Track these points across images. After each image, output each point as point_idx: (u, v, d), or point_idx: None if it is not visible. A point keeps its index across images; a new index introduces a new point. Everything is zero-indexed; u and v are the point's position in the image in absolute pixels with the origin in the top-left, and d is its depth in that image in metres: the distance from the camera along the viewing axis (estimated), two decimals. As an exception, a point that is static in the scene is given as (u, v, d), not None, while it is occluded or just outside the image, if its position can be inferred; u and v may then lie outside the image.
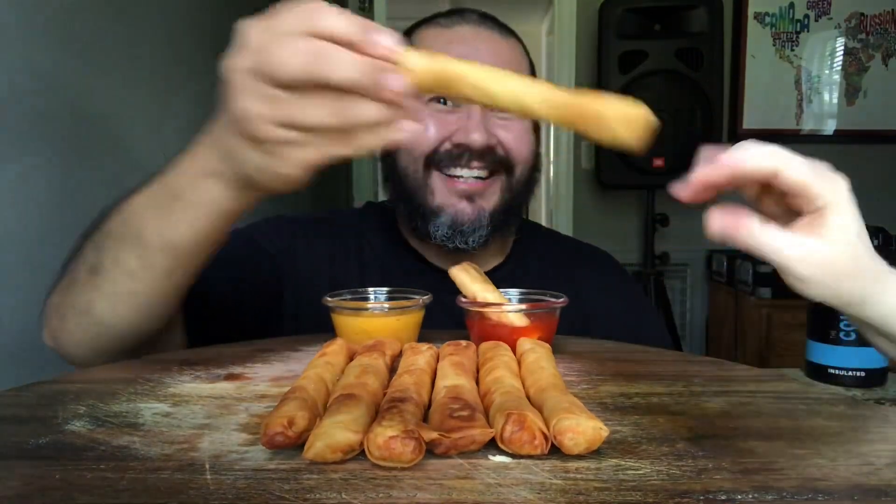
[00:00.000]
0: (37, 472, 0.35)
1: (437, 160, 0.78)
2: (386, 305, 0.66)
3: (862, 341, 0.77)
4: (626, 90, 2.31)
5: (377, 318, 0.62)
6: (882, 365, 0.78)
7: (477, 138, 0.76)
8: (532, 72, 0.89)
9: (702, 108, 2.28)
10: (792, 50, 2.58)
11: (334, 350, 0.52)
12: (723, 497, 0.32)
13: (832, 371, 0.78)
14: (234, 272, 0.74)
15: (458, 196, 0.78)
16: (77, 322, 0.58)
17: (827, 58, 2.59)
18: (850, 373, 0.77)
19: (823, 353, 0.79)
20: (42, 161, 0.97)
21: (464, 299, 0.62)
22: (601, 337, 0.70)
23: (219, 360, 0.58)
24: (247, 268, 0.78)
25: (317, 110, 0.39)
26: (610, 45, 2.32)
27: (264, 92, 0.39)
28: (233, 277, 0.74)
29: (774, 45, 2.59)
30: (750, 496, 0.32)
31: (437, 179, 0.79)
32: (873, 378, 0.77)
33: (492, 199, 0.80)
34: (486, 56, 0.78)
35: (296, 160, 0.41)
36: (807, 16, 2.57)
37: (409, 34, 0.85)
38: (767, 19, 2.58)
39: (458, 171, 0.78)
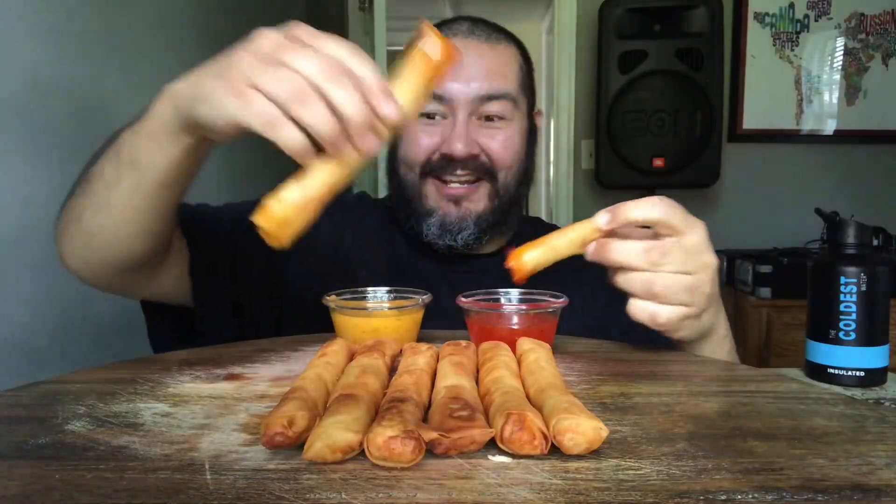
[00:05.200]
0: (37, 472, 0.35)
1: (429, 168, 0.83)
2: (386, 305, 0.66)
3: (862, 341, 0.77)
4: (626, 90, 2.31)
5: (377, 317, 0.62)
6: (882, 365, 0.78)
7: (459, 148, 0.81)
8: (530, 71, 0.90)
9: (702, 108, 2.28)
10: (792, 50, 2.58)
11: (334, 350, 0.52)
12: (723, 497, 0.32)
13: (832, 371, 0.78)
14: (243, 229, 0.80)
15: (447, 200, 0.84)
16: (71, 230, 0.66)
17: (827, 58, 2.59)
18: (849, 373, 0.77)
19: (823, 353, 0.79)
20: (42, 161, 0.97)
21: (464, 299, 0.62)
22: (608, 324, 0.71)
23: (219, 360, 0.58)
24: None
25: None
26: (610, 45, 2.32)
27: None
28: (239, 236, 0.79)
29: (774, 45, 2.59)
30: (750, 496, 0.32)
31: (430, 185, 0.84)
32: (873, 378, 0.77)
33: (479, 202, 0.85)
34: (472, 66, 0.82)
35: (256, 112, 0.47)
36: (807, 16, 2.57)
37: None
38: (767, 19, 2.58)
39: (448, 178, 0.83)
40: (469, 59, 0.83)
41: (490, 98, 0.82)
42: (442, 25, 0.87)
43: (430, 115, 0.83)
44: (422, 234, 0.84)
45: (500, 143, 0.84)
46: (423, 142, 0.83)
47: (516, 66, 0.86)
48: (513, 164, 0.85)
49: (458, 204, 0.84)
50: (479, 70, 0.82)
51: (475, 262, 0.89)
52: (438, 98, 0.82)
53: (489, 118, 0.83)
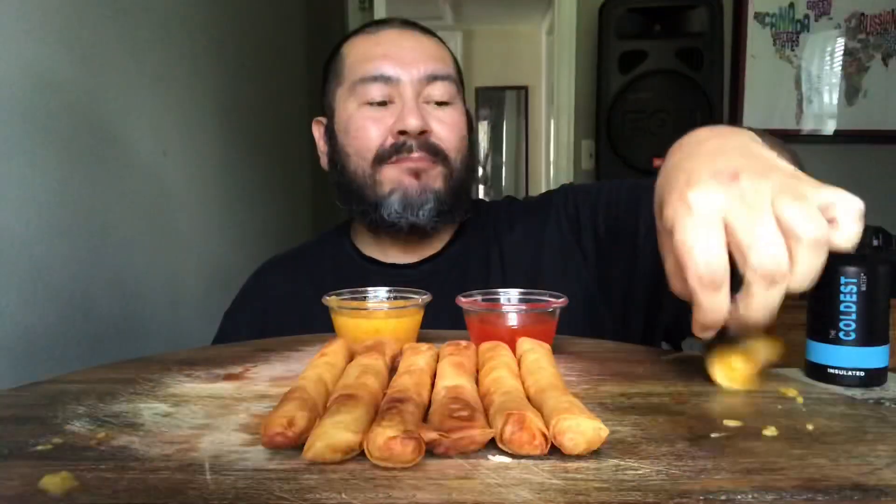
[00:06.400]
0: (37, 472, 0.35)
1: (383, 155, 0.82)
2: (386, 305, 0.66)
3: (862, 341, 0.77)
4: (626, 90, 2.31)
5: (377, 318, 0.62)
6: (882, 365, 0.78)
7: (413, 122, 0.80)
8: (458, 68, 0.91)
9: (702, 108, 2.28)
10: (792, 50, 2.58)
11: (334, 350, 0.52)
12: (723, 497, 0.32)
13: (832, 371, 0.78)
14: None
15: (406, 173, 0.83)
16: None
17: (827, 58, 2.59)
18: (849, 373, 0.77)
19: (823, 353, 0.78)
20: (42, 161, 0.97)
21: (463, 298, 0.62)
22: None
23: (218, 360, 0.58)
24: None
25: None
26: (610, 45, 2.33)
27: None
28: None
29: (774, 45, 2.59)
30: (750, 496, 0.32)
31: (386, 169, 0.83)
32: (873, 378, 0.77)
33: (437, 181, 0.84)
34: (413, 50, 0.84)
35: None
36: (807, 16, 2.57)
37: (339, 48, 0.90)
38: (767, 19, 2.58)
39: (403, 157, 0.82)
40: (408, 43, 0.84)
41: (435, 78, 0.83)
42: (378, 22, 0.89)
43: (375, 103, 0.82)
44: (383, 221, 0.83)
45: (448, 125, 0.84)
46: (373, 129, 0.82)
47: (451, 57, 0.89)
48: (461, 149, 0.86)
49: (417, 177, 0.83)
50: (422, 53, 0.84)
51: (423, 266, 0.89)
52: (384, 79, 0.82)
53: (434, 102, 0.84)
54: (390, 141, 0.82)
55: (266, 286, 0.92)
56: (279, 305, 0.89)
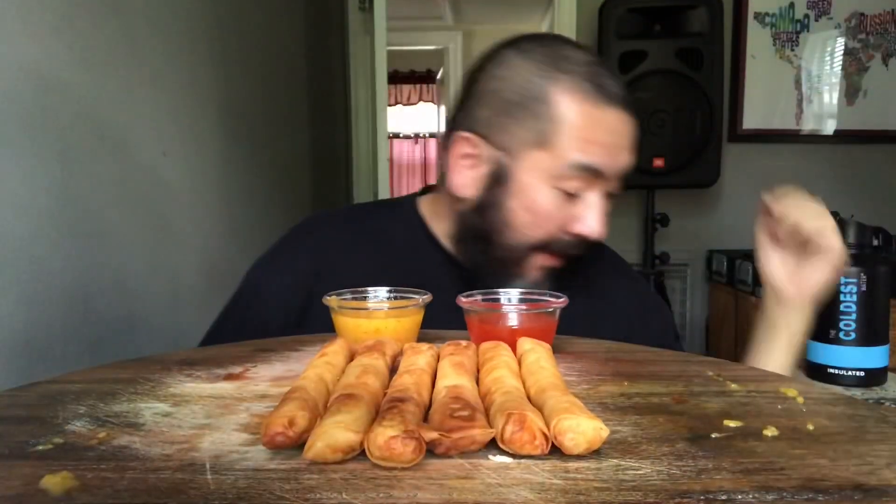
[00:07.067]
0: (37, 472, 0.35)
1: (548, 246, 0.77)
2: (386, 305, 0.66)
3: (862, 341, 0.77)
4: (626, 90, 2.31)
5: (377, 318, 0.62)
6: (882, 365, 0.78)
7: (597, 234, 0.76)
8: None
9: (702, 108, 2.28)
10: (792, 50, 2.58)
11: (334, 350, 0.52)
12: (723, 497, 0.32)
13: (832, 371, 0.78)
14: (237, 324, 0.82)
15: (539, 269, 0.79)
16: None
17: (827, 58, 2.59)
18: (849, 373, 0.77)
19: (823, 353, 0.79)
20: (42, 161, 0.97)
21: (463, 298, 0.62)
22: (607, 334, 0.69)
23: (219, 360, 0.58)
24: (250, 314, 0.83)
25: None
26: (610, 45, 2.32)
27: None
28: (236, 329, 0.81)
29: (774, 45, 2.59)
30: (750, 496, 0.32)
31: (537, 258, 0.78)
32: (873, 378, 0.77)
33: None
34: (623, 140, 0.76)
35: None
36: (807, 16, 2.57)
37: (536, 80, 0.76)
38: (767, 19, 2.58)
39: (554, 253, 0.78)
40: (626, 129, 0.76)
41: (625, 171, 0.77)
42: (597, 82, 0.76)
43: (568, 193, 0.75)
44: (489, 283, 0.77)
45: (607, 222, 0.78)
46: (555, 222, 0.76)
47: None
48: None
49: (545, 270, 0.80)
50: (629, 141, 0.77)
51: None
52: (593, 171, 0.74)
53: (608, 194, 0.77)
54: (563, 237, 0.77)
55: (321, 239, 0.86)
56: (337, 261, 0.83)
